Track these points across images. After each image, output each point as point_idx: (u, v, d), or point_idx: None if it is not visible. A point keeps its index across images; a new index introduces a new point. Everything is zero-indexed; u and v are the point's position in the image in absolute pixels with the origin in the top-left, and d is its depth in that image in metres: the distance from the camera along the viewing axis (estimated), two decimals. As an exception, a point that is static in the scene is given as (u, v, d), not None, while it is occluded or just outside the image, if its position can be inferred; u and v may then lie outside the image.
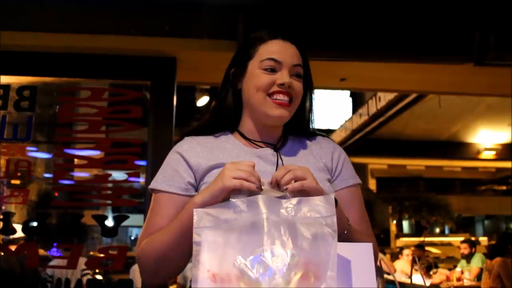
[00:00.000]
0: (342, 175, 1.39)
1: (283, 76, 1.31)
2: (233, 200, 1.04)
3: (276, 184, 1.12)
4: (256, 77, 1.32)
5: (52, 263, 3.66)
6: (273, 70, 1.32)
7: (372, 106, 9.66)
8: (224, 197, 1.12)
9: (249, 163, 1.14)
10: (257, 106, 1.33)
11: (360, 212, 1.36)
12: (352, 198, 1.34)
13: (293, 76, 1.33)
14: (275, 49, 1.34)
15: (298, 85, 1.33)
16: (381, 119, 9.60)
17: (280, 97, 1.30)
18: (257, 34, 1.39)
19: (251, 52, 1.36)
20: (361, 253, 1.01)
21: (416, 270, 4.58)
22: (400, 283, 5.67)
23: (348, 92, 14.86)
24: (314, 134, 1.46)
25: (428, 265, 8.13)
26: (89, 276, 3.60)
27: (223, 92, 1.42)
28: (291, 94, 1.31)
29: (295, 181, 1.10)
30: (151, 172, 3.51)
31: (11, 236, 3.62)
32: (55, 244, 3.74)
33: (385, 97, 8.95)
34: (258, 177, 1.12)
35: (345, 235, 1.16)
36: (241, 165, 1.13)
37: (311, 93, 1.43)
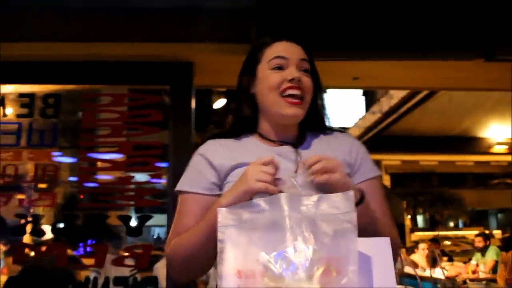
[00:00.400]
0: (362, 168, 1.38)
1: (291, 72, 1.32)
2: (255, 199, 1.04)
3: (305, 169, 1.13)
4: (266, 77, 1.34)
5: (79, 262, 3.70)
6: (281, 68, 1.33)
7: (385, 104, 9.60)
8: (248, 198, 1.12)
9: (270, 164, 1.15)
10: (272, 107, 1.34)
11: (381, 204, 1.36)
12: (373, 191, 1.33)
13: (301, 71, 1.34)
14: (281, 49, 1.36)
15: (307, 79, 1.35)
16: (393, 116, 9.54)
17: (292, 91, 1.31)
18: (263, 39, 1.42)
19: (258, 56, 1.38)
20: (380, 248, 1.01)
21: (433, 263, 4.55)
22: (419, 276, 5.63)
23: (361, 91, 14.79)
24: (332, 129, 1.46)
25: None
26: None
27: (238, 99, 1.43)
28: (302, 89, 1.32)
29: (325, 172, 1.11)
30: (173, 173, 3.53)
31: (41, 238, 3.66)
32: (81, 245, 3.78)
33: (397, 95, 8.89)
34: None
35: (371, 226, 1.17)
36: (263, 167, 1.14)
37: (320, 90, 1.44)
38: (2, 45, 3.33)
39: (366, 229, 1.06)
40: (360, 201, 1.16)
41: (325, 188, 1.11)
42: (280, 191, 1.09)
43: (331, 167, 1.13)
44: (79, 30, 3.49)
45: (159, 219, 3.67)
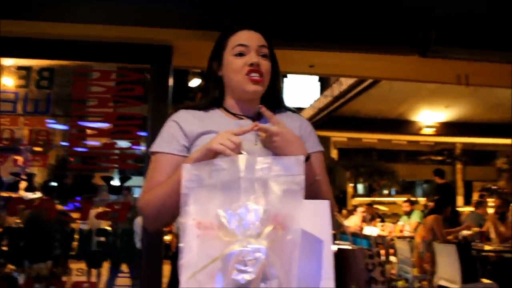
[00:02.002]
0: (309, 143, 1.40)
1: (252, 57, 1.33)
2: (216, 159, 1.04)
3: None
4: (230, 63, 1.35)
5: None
6: (242, 54, 1.34)
7: (336, 89, 9.67)
8: (211, 157, 1.12)
9: (238, 131, 1.15)
10: (237, 86, 1.35)
11: (323, 174, 1.38)
12: (316, 163, 1.34)
13: (260, 56, 1.34)
14: (243, 37, 1.36)
15: (265, 63, 1.35)
16: (342, 100, 9.62)
17: (253, 74, 1.31)
18: (228, 28, 1.41)
19: (224, 43, 1.38)
20: (320, 209, 1.01)
21: (366, 224, 4.66)
22: (353, 233, 5.77)
23: (316, 77, 14.85)
24: (287, 109, 1.47)
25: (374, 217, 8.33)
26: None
27: (208, 81, 1.44)
28: (261, 71, 1.33)
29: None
30: (151, 141, 3.46)
31: (33, 195, 3.59)
32: (69, 201, 3.74)
33: (346, 82, 8.95)
34: (240, 145, 1.12)
35: (312, 186, 1.18)
36: (232, 136, 1.13)
37: (278, 72, 1.44)
38: (2, 22, 3.21)
39: (309, 189, 1.07)
40: (306, 159, 1.17)
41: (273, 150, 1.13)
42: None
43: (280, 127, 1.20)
44: (74, 13, 3.38)
45: (138, 180, 3.64)
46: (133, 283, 3.55)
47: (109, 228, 3.56)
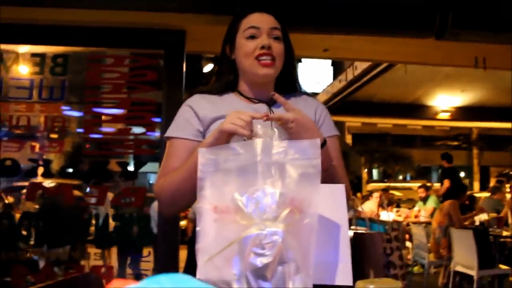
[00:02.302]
0: (324, 127, 1.39)
1: (263, 39, 1.31)
2: (232, 143, 1.03)
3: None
4: (242, 46, 1.33)
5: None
6: (254, 37, 1.32)
7: (350, 73, 9.57)
8: (225, 139, 1.12)
9: (249, 114, 1.12)
10: (248, 70, 1.34)
11: (338, 158, 1.36)
12: (332, 147, 1.32)
13: (271, 39, 1.33)
14: (254, 19, 1.35)
15: (277, 46, 1.34)
16: (357, 84, 9.52)
17: (264, 57, 1.30)
18: (240, 11, 1.40)
19: (236, 26, 1.37)
20: (336, 193, 1.01)
21: (383, 208, 4.65)
22: (369, 218, 5.76)
23: (330, 61, 14.72)
24: (302, 92, 1.46)
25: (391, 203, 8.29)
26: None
27: (222, 64, 1.43)
28: (273, 54, 1.31)
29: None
30: (165, 127, 3.47)
31: (50, 180, 3.64)
32: (86, 186, 3.78)
33: (361, 66, 8.85)
34: (250, 122, 1.11)
35: (328, 171, 1.17)
36: (242, 114, 1.12)
37: (292, 55, 1.42)
38: (13, 8, 3.22)
39: (325, 173, 1.06)
40: (322, 145, 1.16)
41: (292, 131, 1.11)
42: (249, 136, 1.07)
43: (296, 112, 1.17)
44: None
45: (153, 166, 3.67)
46: (153, 267, 3.59)
47: (125, 213, 3.60)
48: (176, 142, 1.32)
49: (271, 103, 1.36)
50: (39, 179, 3.63)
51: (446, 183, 7.31)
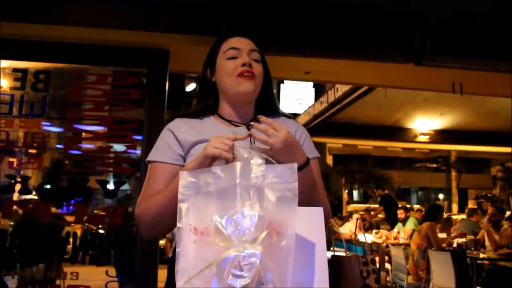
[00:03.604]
0: (304, 148, 1.40)
1: (243, 58, 1.35)
2: (213, 167, 1.04)
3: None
4: (223, 66, 1.37)
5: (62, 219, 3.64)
6: (235, 57, 1.36)
7: (331, 95, 9.72)
8: (209, 163, 1.13)
9: (231, 137, 1.14)
10: (229, 89, 1.36)
11: (319, 179, 1.38)
12: (313, 168, 1.35)
13: (252, 60, 1.37)
14: (234, 42, 1.39)
15: (257, 66, 1.38)
16: (338, 106, 9.67)
17: (246, 74, 1.34)
18: (221, 36, 1.44)
19: (217, 50, 1.41)
20: (314, 216, 1.02)
21: (360, 231, 4.67)
22: (347, 240, 5.78)
23: (311, 83, 14.90)
24: (281, 114, 1.49)
25: (369, 226, 8.35)
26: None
27: (202, 87, 1.46)
28: (253, 71, 1.35)
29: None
30: (147, 145, 3.49)
31: (28, 196, 3.58)
32: (64, 203, 3.73)
33: (342, 88, 9.01)
34: (233, 146, 1.12)
35: (311, 190, 1.20)
36: (224, 138, 1.14)
37: (270, 79, 1.46)
38: (1, 24, 3.22)
39: (308, 192, 1.08)
40: (305, 164, 1.20)
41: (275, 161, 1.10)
42: (234, 159, 1.08)
43: (276, 129, 1.15)
44: (72, 16, 3.38)
45: (133, 184, 3.64)
46: (132, 287, 3.53)
47: (103, 232, 3.55)
48: (157, 166, 1.32)
49: (251, 125, 1.38)
50: (15, 195, 3.57)
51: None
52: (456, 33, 3.61)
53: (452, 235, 6.59)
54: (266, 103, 1.45)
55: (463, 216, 8.43)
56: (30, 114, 3.59)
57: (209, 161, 1.13)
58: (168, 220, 1.20)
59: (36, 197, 3.60)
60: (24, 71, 3.62)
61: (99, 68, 3.70)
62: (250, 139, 1.26)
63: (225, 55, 1.37)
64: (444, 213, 6.90)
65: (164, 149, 1.33)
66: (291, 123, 1.45)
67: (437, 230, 5.77)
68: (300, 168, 1.13)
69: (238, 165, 0.96)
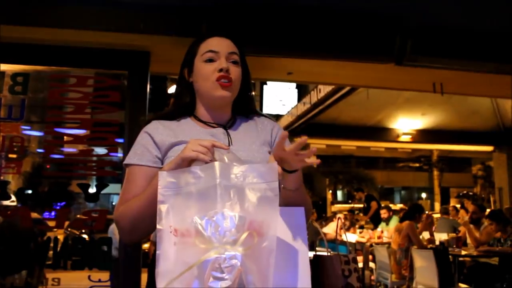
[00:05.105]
0: None
1: (221, 63, 1.33)
2: (193, 167, 1.03)
3: None
4: (200, 69, 1.35)
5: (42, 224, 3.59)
6: (212, 60, 1.34)
7: (314, 96, 9.75)
8: (185, 166, 1.11)
9: (209, 141, 1.13)
10: (205, 92, 1.36)
11: None
12: None
13: (230, 63, 1.35)
14: (212, 43, 1.37)
15: (235, 69, 1.36)
16: (321, 107, 9.71)
17: (222, 80, 1.32)
18: (199, 36, 1.42)
19: (194, 50, 1.39)
20: (296, 216, 1.02)
21: (344, 231, 4.69)
22: (331, 240, 5.81)
23: (294, 84, 14.95)
24: (258, 114, 1.49)
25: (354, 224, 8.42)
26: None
27: (179, 87, 1.44)
28: (231, 77, 1.33)
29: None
30: (128, 148, 3.44)
31: (7, 202, 3.52)
32: (45, 208, 3.67)
33: (324, 89, 9.05)
34: (211, 149, 1.11)
35: (297, 191, 1.18)
36: (202, 141, 1.13)
37: (249, 78, 1.45)
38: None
39: (294, 194, 1.08)
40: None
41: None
42: (211, 161, 1.07)
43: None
44: (52, 18, 3.33)
45: (115, 187, 3.60)
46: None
47: (85, 236, 3.51)
48: (135, 169, 1.31)
49: (227, 126, 1.38)
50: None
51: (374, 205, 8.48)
52: (436, 34, 3.66)
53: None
54: (244, 103, 1.45)
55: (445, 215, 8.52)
56: (9, 117, 3.53)
57: (187, 163, 1.12)
58: (147, 223, 1.18)
59: (15, 203, 3.54)
60: (1, 74, 3.56)
61: (79, 70, 3.66)
62: (229, 142, 1.26)
63: (202, 58, 1.35)
64: (426, 212, 6.95)
65: (142, 151, 1.32)
66: (266, 122, 1.46)
67: (418, 229, 5.83)
68: (296, 169, 1.13)
69: (217, 164, 0.95)
